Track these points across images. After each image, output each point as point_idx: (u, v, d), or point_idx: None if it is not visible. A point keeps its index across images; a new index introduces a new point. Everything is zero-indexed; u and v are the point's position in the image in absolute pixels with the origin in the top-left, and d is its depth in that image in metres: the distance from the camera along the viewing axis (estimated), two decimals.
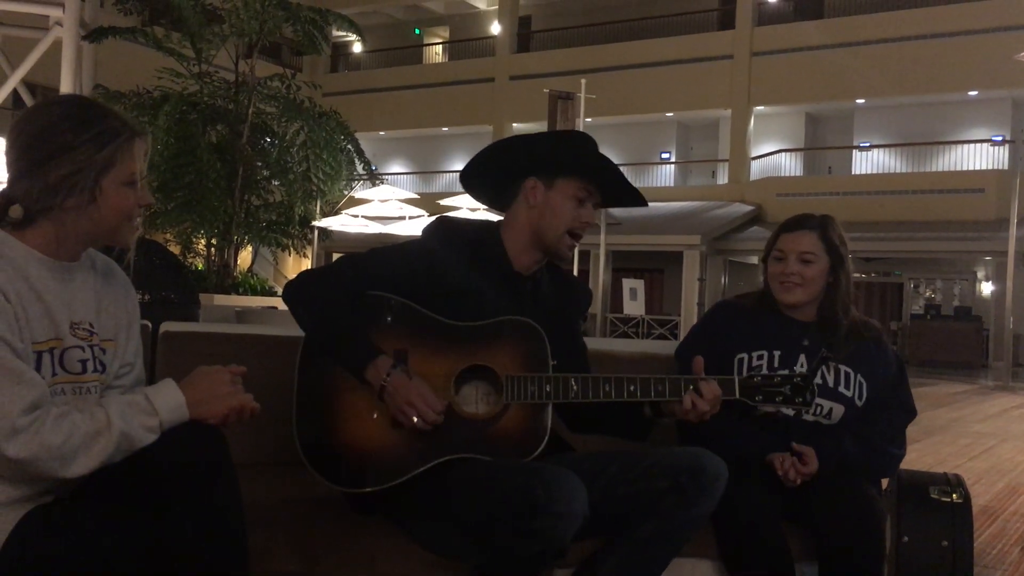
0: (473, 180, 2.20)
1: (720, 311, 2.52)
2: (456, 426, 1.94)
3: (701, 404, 1.96)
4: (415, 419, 1.88)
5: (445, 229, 2.12)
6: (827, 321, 2.37)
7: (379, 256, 2.06)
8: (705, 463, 1.93)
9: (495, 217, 2.21)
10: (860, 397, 2.34)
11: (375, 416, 1.96)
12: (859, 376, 2.35)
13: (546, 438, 1.95)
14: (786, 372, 2.04)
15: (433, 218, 2.20)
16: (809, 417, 2.31)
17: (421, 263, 2.03)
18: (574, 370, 2.02)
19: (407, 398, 1.88)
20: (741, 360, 2.34)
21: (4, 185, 1.60)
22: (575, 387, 1.96)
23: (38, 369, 1.52)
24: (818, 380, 2.30)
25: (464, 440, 1.94)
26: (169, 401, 1.56)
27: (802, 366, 2.31)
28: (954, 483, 2.28)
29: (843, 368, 2.34)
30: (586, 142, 2.11)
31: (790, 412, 2.27)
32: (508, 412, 1.95)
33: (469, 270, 2.04)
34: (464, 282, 2.03)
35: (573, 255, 2.14)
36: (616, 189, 2.14)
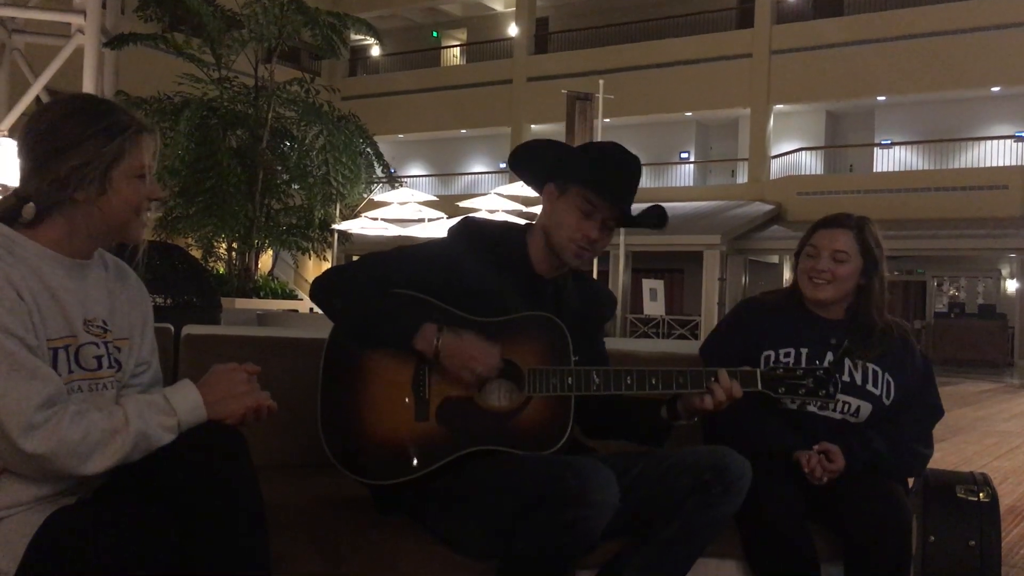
0: (521, 170, 2.19)
1: (746, 307, 2.51)
2: (479, 419, 1.95)
3: (719, 394, 1.96)
4: (480, 368, 1.91)
5: (470, 230, 2.13)
6: (858, 322, 2.36)
7: (403, 254, 2.08)
8: (729, 462, 1.93)
9: (519, 220, 2.22)
10: (888, 396, 2.32)
11: (401, 409, 1.97)
12: (887, 375, 2.33)
13: (568, 430, 1.95)
14: (809, 365, 2.03)
15: (458, 219, 2.22)
16: (836, 415, 2.30)
17: (444, 262, 2.05)
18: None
19: (467, 351, 1.91)
20: (767, 357, 2.33)
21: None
22: (597, 380, 1.96)
23: (54, 366, 1.53)
24: (846, 378, 2.30)
25: (487, 432, 1.95)
26: (187, 401, 1.57)
27: (830, 363, 2.30)
28: (981, 482, 2.26)
29: (871, 366, 2.32)
30: (613, 159, 2.05)
31: (815, 407, 2.26)
32: (530, 405, 1.96)
33: (491, 271, 2.05)
34: (485, 282, 2.04)
35: (584, 264, 2.09)
36: (631, 214, 2.06)
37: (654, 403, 2.07)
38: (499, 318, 2.01)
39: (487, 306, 2.01)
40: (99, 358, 1.61)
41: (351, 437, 1.97)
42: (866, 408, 2.30)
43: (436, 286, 2.01)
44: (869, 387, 2.31)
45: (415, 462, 1.93)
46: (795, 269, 2.44)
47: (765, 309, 2.44)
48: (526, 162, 2.15)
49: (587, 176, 2.02)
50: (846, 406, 2.30)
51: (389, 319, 1.96)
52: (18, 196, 1.58)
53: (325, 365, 2.02)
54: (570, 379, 1.95)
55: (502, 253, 2.09)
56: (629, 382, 1.97)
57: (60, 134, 1.56)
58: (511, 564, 1.82)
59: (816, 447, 2.21)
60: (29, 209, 1.57)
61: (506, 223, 2.21)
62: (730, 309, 2.62)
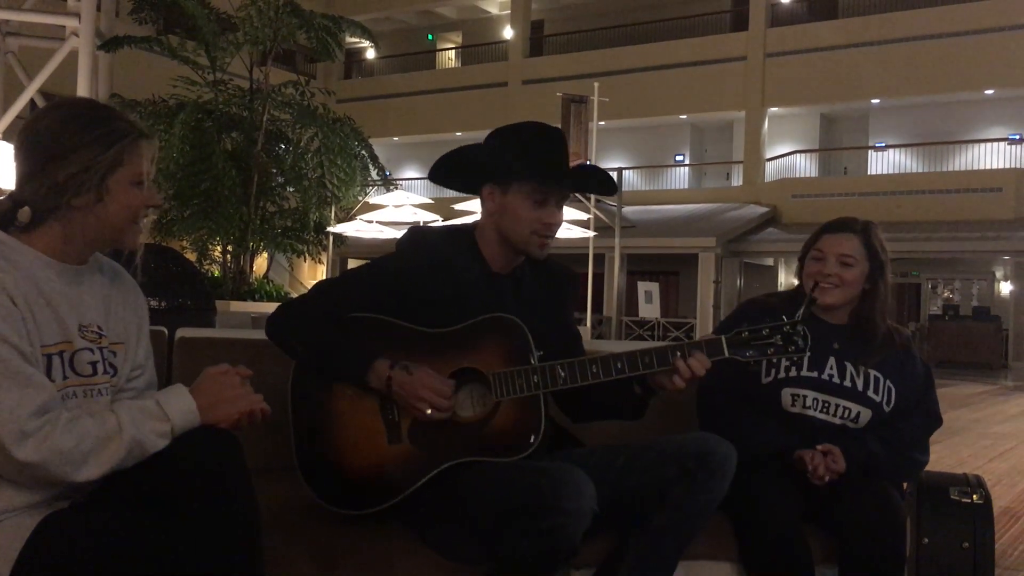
0: (449, 182, 2.17)
1: (750, 307, 2.48)
2: (452, 432, 1.94)
3: (684, 370, 1.93)
4: (429, 410, 1.89)
5: (420, 240, 2.11)
6: (862, 327, 2.35)
7: (355, 276, 2.07)
8: (712, 446, 1.92)
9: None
10: (888, 402, 2.32)
11: (373, 435, 1.96)
12: (888, 381, 2.32)
13: (542, 429, 1.93)
14: (774, 323, 1.98)
15: (405, 230, 2.18)
16: (836, 420, 2.30)
17: (399, 277, 2.02)
18: (570, 358, 1.98)
19: (416, 390, 1.89)
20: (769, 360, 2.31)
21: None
22: (563, 374, 1.94)
23: (48, 373, 1.53)
24: (847, 383, 2.29)
25: (461, 445, 1.93)
26: (180, 406, 1.57)
27: (832, 368, 2.29)
28: (975, 484, 2.26)
29: (872, 372, 2.32)
30: (539, 140, 2.04)
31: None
32: (500, 409, 1.95)
33: (448, 277, 2.02)
34: (444, 290, 2.01)
35: (545, 252, 2.07)
36: (579, 181, 2.12)
37: (627, 382, 2.04)
38: (456, 326, 1.98)
39: (448, 314, 1.99)
40: (94, 364, 1.61)
41: (330, 472, 1.96)
42: (866, 414, 2.30)
43: (394, 302, 1.99)
44: (870, 393, 2.30)
45: (395, 486, 1.92)
46: (799, 273, 2.42)
47: (767, 310, 2.42)
48: (448, 177, 2.12)
49: (527, 170, 2.00)
50: (846, 411, 2.30)
51: (341, 357, 1.94)
52: (14, 200, 1.57)
53: (293, 403, 2.00)
54: (535, 377, 1.93)
55: (456, 257, 2.06)
56: (595, 370, 1.94)
57: (58, 140, 1.55)
58: (499, 570, 1.82)
59: (819, 447, 2.20)
60: (25, 214, 1.56)
61: (453, 226, 2.18)
62: (733, 308, 2.60)
